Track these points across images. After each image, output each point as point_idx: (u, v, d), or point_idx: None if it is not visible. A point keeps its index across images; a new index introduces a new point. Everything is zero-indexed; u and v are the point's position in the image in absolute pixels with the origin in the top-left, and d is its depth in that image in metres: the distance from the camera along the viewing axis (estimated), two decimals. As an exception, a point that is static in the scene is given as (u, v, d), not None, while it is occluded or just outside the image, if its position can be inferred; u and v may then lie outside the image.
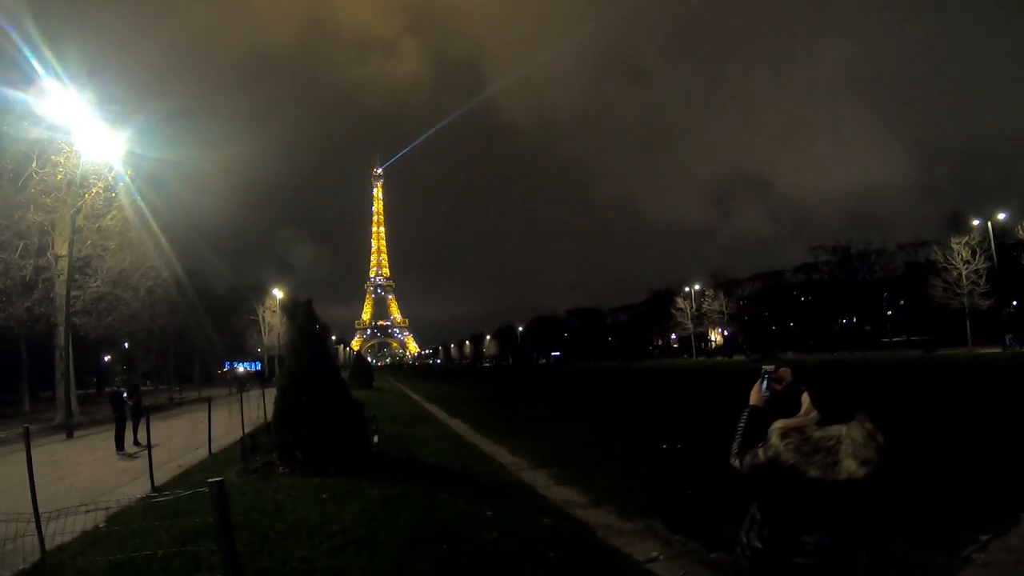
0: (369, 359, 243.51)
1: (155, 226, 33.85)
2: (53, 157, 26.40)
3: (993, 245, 63.75)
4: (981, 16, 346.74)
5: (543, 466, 13.65)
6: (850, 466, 2.86)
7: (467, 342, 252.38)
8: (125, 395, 20.27)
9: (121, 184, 29.48)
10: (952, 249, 66.85)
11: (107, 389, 21.39)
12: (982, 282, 64.50)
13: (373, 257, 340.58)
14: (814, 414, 3.06)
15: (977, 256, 65.13)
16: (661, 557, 7.40)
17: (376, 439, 14.29)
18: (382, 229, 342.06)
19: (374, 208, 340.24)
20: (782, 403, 3.27)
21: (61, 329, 28.19)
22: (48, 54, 24.52)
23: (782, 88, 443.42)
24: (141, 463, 15.81)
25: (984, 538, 7.15)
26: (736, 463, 3.26)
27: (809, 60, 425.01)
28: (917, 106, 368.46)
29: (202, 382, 69.78)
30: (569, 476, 12.16)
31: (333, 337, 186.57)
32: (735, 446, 3.30)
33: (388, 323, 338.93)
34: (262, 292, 78.20)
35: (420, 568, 6.99)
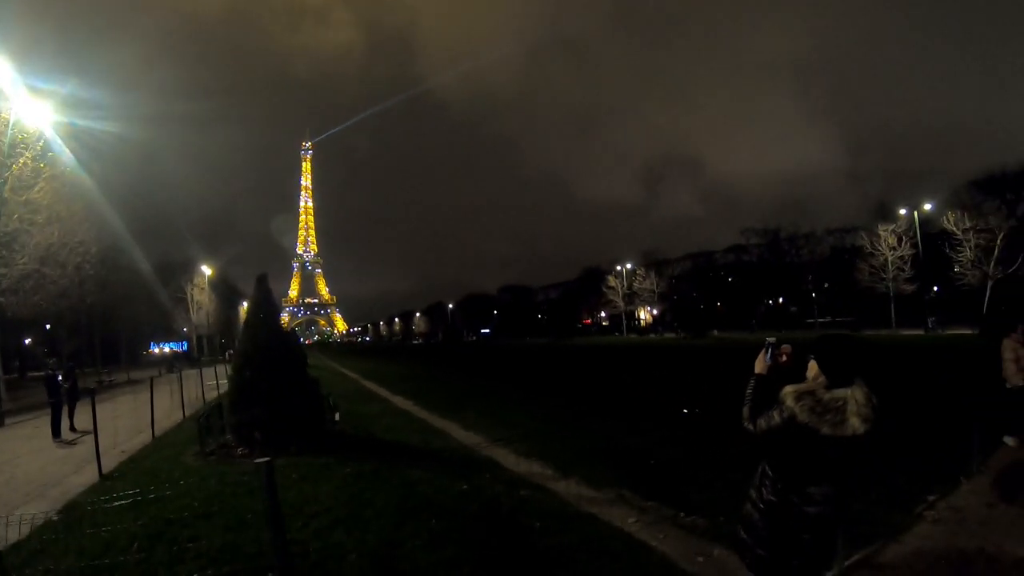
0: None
1: (87, 198, 32.53)
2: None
3: (919, 233, 65.89)
4: (916, 7, 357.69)
5: (500, 440, 13.56)
6: (855, 423, 3.28)
7: (396, 319, 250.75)
8: (60, 378, 19.36)
9: (50, 154, 28.03)
10: (879, 236, 69.57)
11: (43, 373, 20.26)
12: (907, 268, 67.20)
13: (300, 232, 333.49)
14: (822, 379, 3.45)
15: (903, 243, 67.64)
16: (638, 522, 7.57)
17: (337, 416, 13.96)
18: (310, 203, 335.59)
19: (302, 182, 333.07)
20: (781, 372, 3.77)
21: (-16, 311, 26.82)
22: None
23: (717, 71, 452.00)
24: (82, 450, 15.14)
25: (932, 498, 7.90)
26: (750, 426, 3.61)
27: (745, 44, 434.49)
28: (849, 94, 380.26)
29: (127, 363, 67.36)
30: (528, 450, 12.11)
31: (262, 315, 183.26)
32: (746, 411, 3.65)
33: (316, 300, 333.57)
34: (190, 269, 75.42)
35: (414, 544, 6.88)
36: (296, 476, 9.88)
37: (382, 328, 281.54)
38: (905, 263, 67.37)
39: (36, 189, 27.61)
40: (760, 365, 3.85)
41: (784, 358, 3.77)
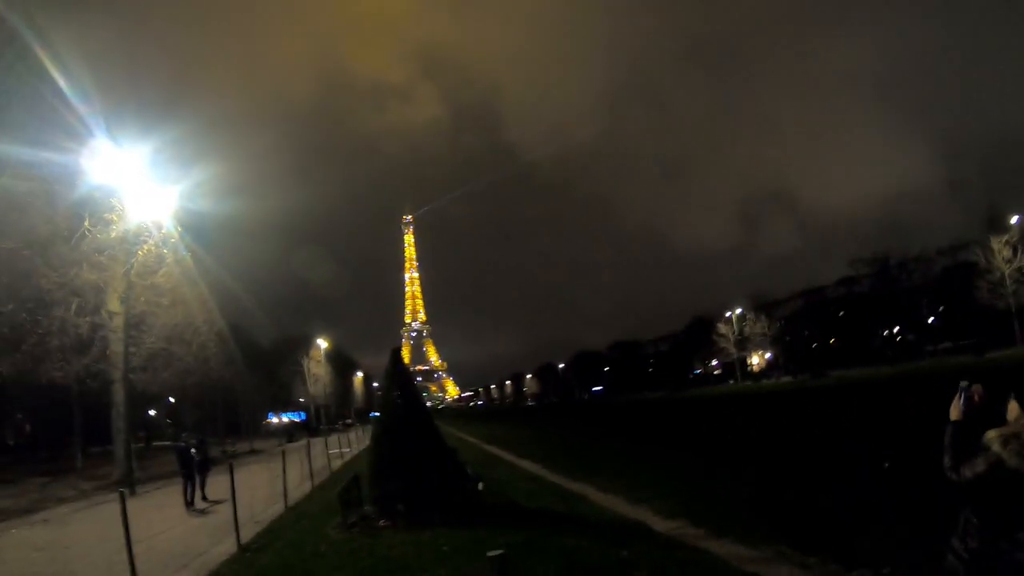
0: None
1: (203, 282, 33.91)
2: (106, 215, 26.34)
3: None
4: (997, 9, 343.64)
5: (641, 501, 13.24)
6: None
7: (507, 382, 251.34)
8: (193, 451, 19.81)
9: (172, 240, 29.46)
10: (993, 249, 65.43)
11: (173, 444, 20.80)
12: (1027, 279, 62.45)
13: (408, 303, 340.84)
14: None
15: (1018, 253, 63.61)
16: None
17: (481, 486, 13.70)
18: (415, 274, 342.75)
19: (406, 254, 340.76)
20: (977, 414, 3.52)
21: (117, 385, 28.06)
22: (100, 115, 24.80)
23: (796, 98, 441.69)
24: (215, 520, 15.41)
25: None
26: (953, 475, 3.40)
27: (820, 65, 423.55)
28: (936, 103, 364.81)
29: (248, 434, 69.20)
30: (671, 509, 11.81)
31: (375, 384, 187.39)
32: (947, 460, 3.45)
33: (427, 367, 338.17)
34: (306, 343, 77.98)
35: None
36: (447, 549, 9.61)
37: (493, 391, 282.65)
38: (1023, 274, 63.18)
39: (160, 274, 28.99)
40: (955, 412, 3.60)
41: (976, 398, 3.47)
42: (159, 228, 28.74)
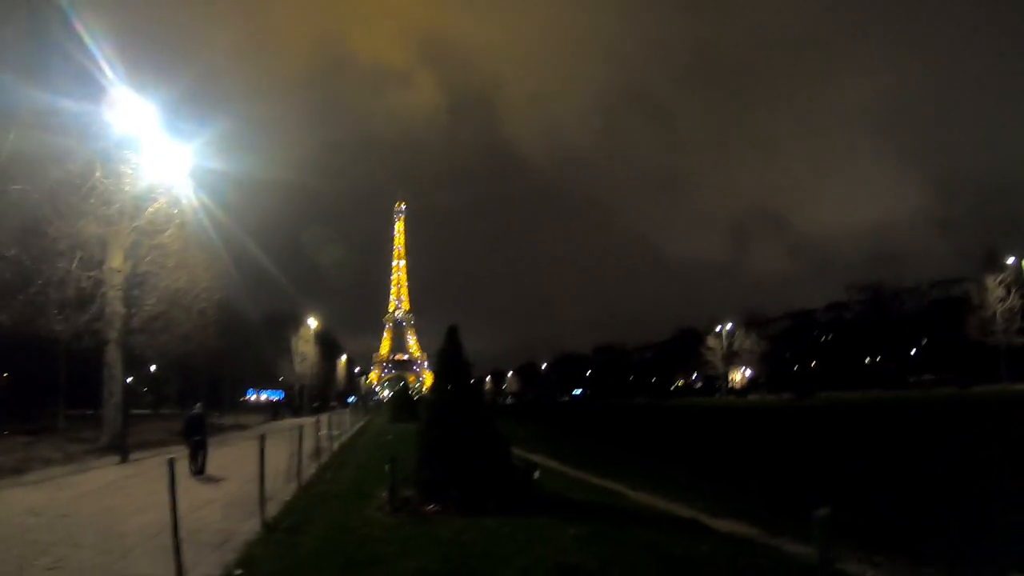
0: (387, 391, 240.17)
1: (212, 244, 32.94)
2: (119, 167, 25.34)
3: None
4: (993, 46, 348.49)
5: (678, 500, 13.38)
6: None
7: (487, 377, 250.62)
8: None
9: (184, 200, 28.46)
10: (987, 287, 66.60)
11: (190, 412, 19.63)
12: (1018, 319, 63.98)
13: (393, 290, 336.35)
14: None
15: (1012, 294, 64.69)
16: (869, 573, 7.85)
17: (537, 475, 13.01)
18: (403, 263, 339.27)
19: (395, 242, 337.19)
20: None
21: (113, 346, 26.99)
22: (119, 64, 23.83)
23: (797, 122, 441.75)
24: (222, 493, 14.48)
25: None
26: None
27: (824, 95, 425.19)
28: (934, 139, 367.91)
29: (228, 409, 67.56)
30: (714, 509, 12.04)
31: (357, 369, 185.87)
32: None
33: (406, 356, 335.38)
34: (296, 320, 76.81)
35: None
36: (524, 538, 8.95)
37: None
38: (1014, 314, 64.32)
39: (167, 234, 27.97)
40: None
41: None
42: (171, 187, 27.73)
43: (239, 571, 7.93)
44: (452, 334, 12.63)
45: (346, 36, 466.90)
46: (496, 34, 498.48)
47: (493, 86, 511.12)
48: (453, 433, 11.44)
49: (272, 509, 11.71)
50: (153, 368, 59.86)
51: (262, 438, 11.68)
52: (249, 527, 10.44)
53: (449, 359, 12.44)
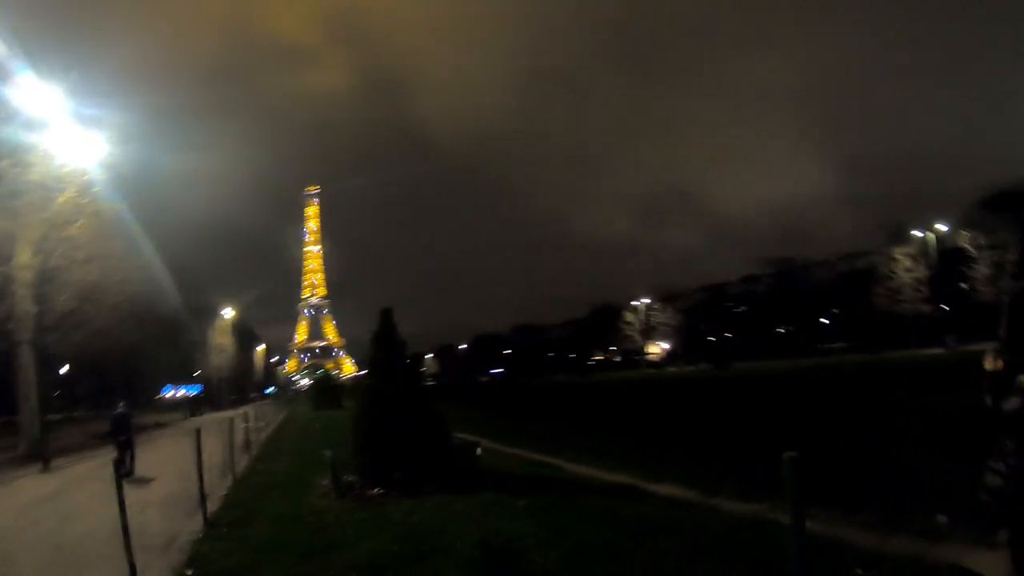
0: (305, 380, 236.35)
1: (127, 235, 31.60)
2: (26, 156, 24.00)
3: (935, 254, 67.37)
4: (904, 32, 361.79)
5: (617, 470, 13.54)
6: None
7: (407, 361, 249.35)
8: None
9: (95, 189, 27.07)
10: (896, 259, 70.23)
11: (115, 412, 18.88)
12: (924, 288, 67.68)
13: (307, 277, 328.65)
14: None
15: (918, 264, 68.24)
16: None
17: (480, 451, 13.12)
18: (316, 248, 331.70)
19: (308, 227, 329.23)
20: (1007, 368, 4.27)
21: (25, 347, 25.81)
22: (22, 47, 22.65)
23: (710, 104, 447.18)
24: (154, 494, 13.85)
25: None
26: (995, 410, 4.22)
27: (737, 75, 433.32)
28: (843, 121, 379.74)
29: (145, 407, 65.19)
30: (651, 476, 12.23)
31: (275, 358, 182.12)
32: (988, 399, 4.28)
33: (323, 343, 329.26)
34: (209, 311, 74.17)
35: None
36: (476, 513, 9.09)
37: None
38: (921, 284, 68.07)
39: (76, 225, 26.67)
40: (990, 364, 4.33)
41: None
42: (81, 175, 26.35)
43: (189, 572, 7.78)
44: (386, 316, 12.63)
45: (253, 14, 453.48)
46: (408, 12, 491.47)
47: (406, 66, 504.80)
48: (393, 415, 11.43)
49: (211, 505, 11.46)
50: (64, 369, 57.39)
51: (198, 433, 11.52)
52: (192, 526, 10.25)
53: (384, 341, 12.42)
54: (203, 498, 10.81)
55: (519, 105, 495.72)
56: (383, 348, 12.36)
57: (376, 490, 11.16)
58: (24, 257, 25.49)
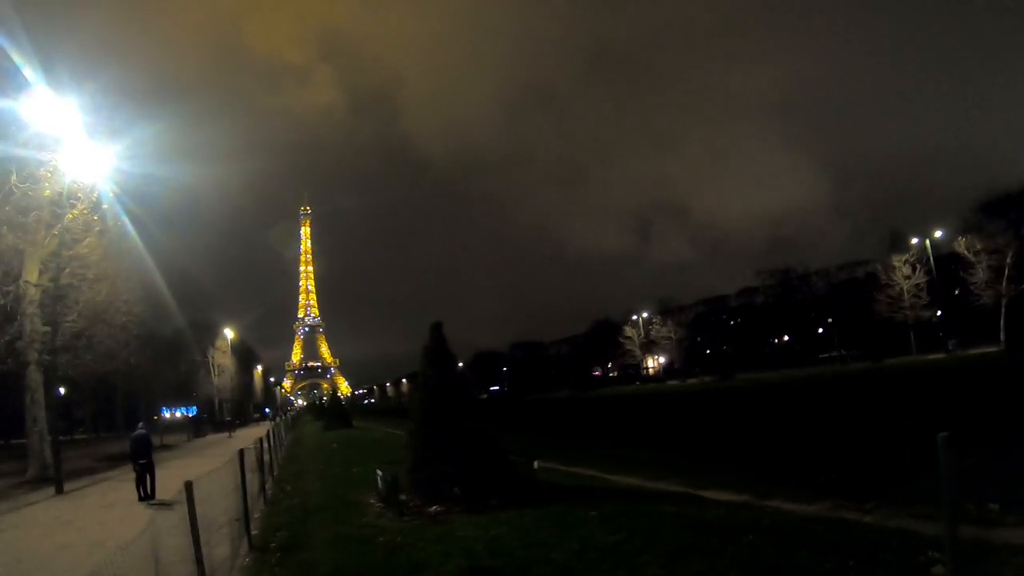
0: (300, 400, 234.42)
1: (133, 254, 31.04)
2: (37, 171, 23.51)
3: (932, 260, 67.32)
4: (889, 37, 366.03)
5: (660, 479, 13.62)
6: None
7: (404, 380, 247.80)
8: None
9: (104, 206, 26.65)
10: (894, 267, 69.99)
11: (135, 432, 18.31)
12: (923, 295, 67.61)
13: (302, 297, 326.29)
14: None
15: (917, 271, 68.19)
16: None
17: (537, 464, 12.73)
18: (310, 268, 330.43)
19: (301, 247, 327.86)
20: None
21: (33, 368, 25.15)
22: (36, 59, 22.08)
23: (696, 116, 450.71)
24: (185, 517, 13.28)
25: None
26: None
27: (721, 87, 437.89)
28: (830, 129, 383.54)
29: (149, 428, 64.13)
30: (698, 483, 12.34)
31: (272, 379, 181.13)
32: None
33: (319, 364, 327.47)
34: (211, 332, 73.22)
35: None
36: (551, 525, 8.87)
37: (389, 389, 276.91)
38: (921, 290, 67.98)
39: (84, 243, 26.10)
40: None
41: None
42: (90, 191, 25.80)
43: None
44: (436, 330, 12.41)
45: (242, 33, 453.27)
46: (396, 30, 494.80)
47: (393, 83, 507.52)
48: (451, 430, 11.23)
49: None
50: (62, 391, 56.55)
51: (241, 453, 11.02)
52: (234, 552, 9.62)
53: (436, 356, 12.19)
54: (247, 520, 10.36)
55: (506, 122, 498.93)
56: (435, 363, 12.13)
57: (435, 507, 10.85)
58: (33, 275, 25.07)
